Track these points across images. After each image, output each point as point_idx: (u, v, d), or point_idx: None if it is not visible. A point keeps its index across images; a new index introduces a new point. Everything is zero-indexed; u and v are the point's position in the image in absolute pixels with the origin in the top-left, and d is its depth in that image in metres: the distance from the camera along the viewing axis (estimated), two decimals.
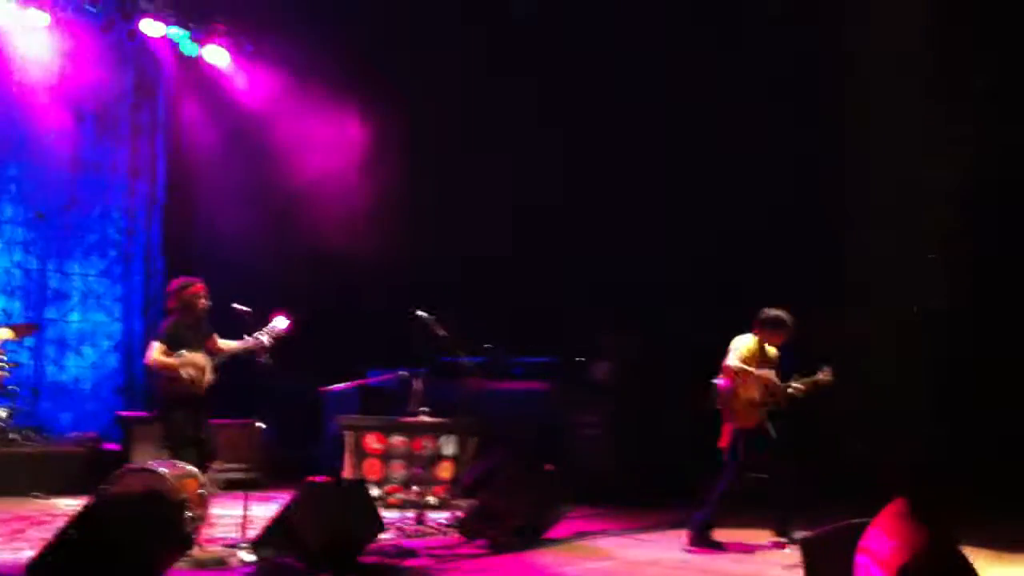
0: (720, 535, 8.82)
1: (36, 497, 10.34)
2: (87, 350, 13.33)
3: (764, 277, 12.20)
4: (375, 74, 13.49)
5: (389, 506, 10.19)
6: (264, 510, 8.01)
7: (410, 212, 13.48)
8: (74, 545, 5.97)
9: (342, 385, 11.66)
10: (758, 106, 12.54)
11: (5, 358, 11.31)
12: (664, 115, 12.95)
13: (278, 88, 13.73)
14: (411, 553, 8.11)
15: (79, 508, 6.29)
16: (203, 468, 8.07)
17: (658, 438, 12.03)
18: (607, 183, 13.24)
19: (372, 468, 10.94)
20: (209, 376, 8.52)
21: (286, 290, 11.72)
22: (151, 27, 13.18)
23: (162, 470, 7.42)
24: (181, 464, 7.75)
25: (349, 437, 11.09)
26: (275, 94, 13.74)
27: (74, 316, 13.28)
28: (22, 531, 8.53)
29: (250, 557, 7.39)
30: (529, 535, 8.64)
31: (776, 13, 12.48)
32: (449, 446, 11.02)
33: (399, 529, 8.97)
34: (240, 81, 13.97)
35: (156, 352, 8.42)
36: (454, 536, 8.75)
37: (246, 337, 8.62)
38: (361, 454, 11.01)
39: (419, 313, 9.59)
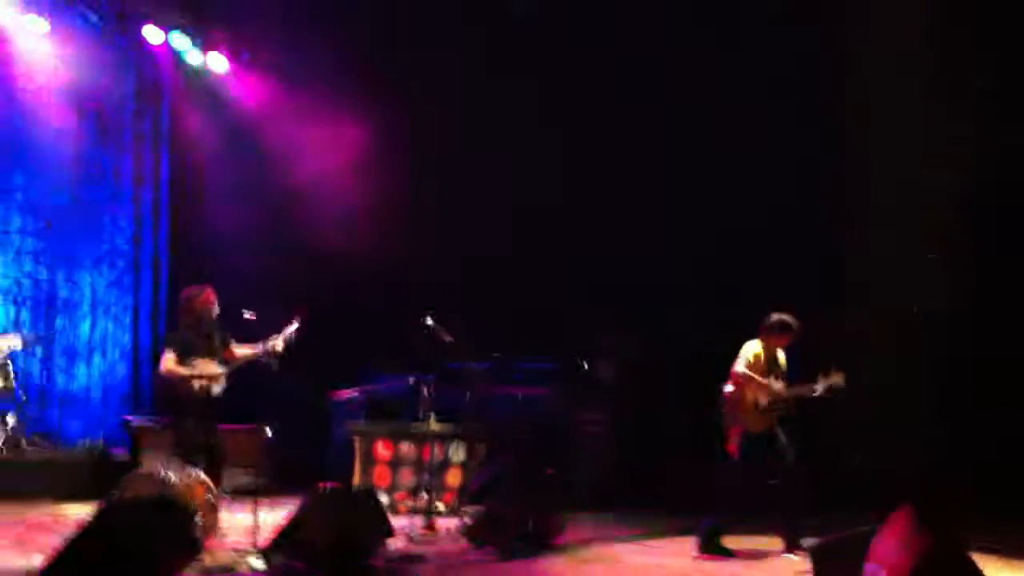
0: (729, 542, 8.79)
1: (46, 502, 10.34)
2: (96, 359, 13.34)
3: (764, 277, 12.23)
4: (375, 74, 13.47)
5: (398, 513, 10.19)
6: (273, 516, 8.02)
7: (410, 212, 13.48)
8: (84, 552, 5.98)
9: (351, 391, 11.67)
10: (758, 106, 12.54)
11: (12, 366, 11.30)
12: (664, 115, 12.95)
13: (279, 92, 13.71)
14: (420, 559, 8.12)
15: (88, 515, 6.31)
16: (215, 475, 8.09)
17: (660, 438, 12.05)
18: (607, 183, 13.24)
19: (381, 475, 10.97)
20: (221, 384, 8.55)
21: (292, 294, 11.73)
22: (153, 34, 13.16)
23: (171, 477, 7.43)
24: (190, 470, 7.77)
25: (359, 444, 11.11)
26: (276, 98, 13.72)
27: (84, 325, 13.29)
28: (32, 538, 8.52)
29: (260, 563, 7.39)
30: (536, 542, 8.65)
31: (776, 13, 12.47)
32: (458, 453, 11.03)
33: (408, 536, 8.96)
34: (241, 87, 13.93)
35: (169, 362, 8.46)
36: (462, 543, 8.75)
37: (260, 343, 8.66)
38: (370, 461, 11.03)
39: (426, 320, 9.59)
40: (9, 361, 11.29)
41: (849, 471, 11.46)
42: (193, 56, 13.71)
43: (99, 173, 13.49)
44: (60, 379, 12.97)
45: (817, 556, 6.88)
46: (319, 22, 13.07)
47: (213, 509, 7.61)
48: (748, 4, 12.75)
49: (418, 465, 10.86)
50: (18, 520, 9.26)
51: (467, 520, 9.06)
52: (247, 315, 8.55)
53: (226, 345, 8.77)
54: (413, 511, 10.16)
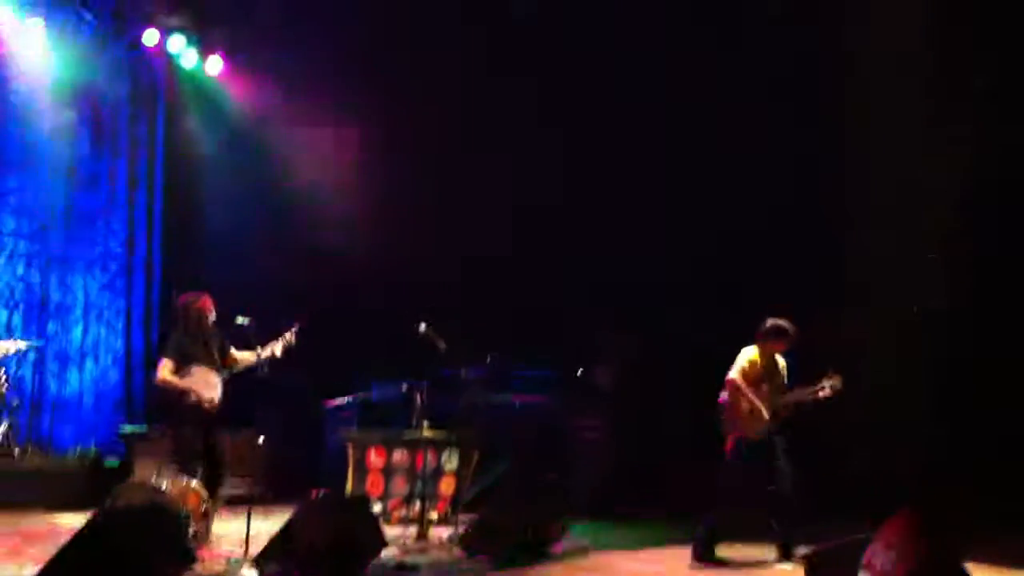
0: (725, 550, 8.80)
1: (39, 510, 10.34)
2: (89, 364, 13.30)
3: (764, 277, 12.25)
4: (375, 74, 13.47)
5: (391, 522, 10.17)
6: (266, 525, 8.01)
7: (410, 212, 13.48)
8: (77, 561, 5.99)
9: (343, 399, 11.65)
10: (758, 106, 12.53)
11: (4, 372, 11.25)
12: (664, 115, 12.93)
13: (276, 95, 13.68)
14: (413, 568, 8.06)
15: (81, 524, 6.30)
16: (216, 482, 8.09)
17: (660, 440, 12.05)
18: (607, 183, 13.24)
19: (374, 483, 10.89)
20: (218, 392, 8.55)
21: (287, 298, 11.78)
22: (149, 37, 13.16)
23: (164, 485, 7.44)
24: (183, 479, 7.78)
25: (352, 452, 11.03)
26: (273, 101, 13.71)
27: (76, 330, 13.24)
28: (24, 547, 8.48)
29: (252, 572, 7.37)
30: (534, 550, 8.62)
31: (776, 13, 12.46)
32: (451, 461, 10.94)
33: (401, 545, 8.94)
34: (237, 90, 13.92)
35: (165, 370, 8.45)
36: (456, 552, 8.70)
37: (259, 349, 8.66)
38: (363, 469, 10.95)
39: (421, 326, 9.58)
40: (1, 367, 11.24)
41: (847, 474, 11.44)
42: (189, 59, 13.68)
43: (93, 177, 13.46)
44: (52, 385, 12.90)
45: (812, 564, 6.89)
46: (317, 23, 13.07)
47: (206, 517, 7.62)
48: (748, 4, 12.73)
49: (411, 473, 10.78)
50: (12, 530, 9.20)
51: (461, 529, 9.01)
52: (240, 321, 8.55)
53: (225, 352, 8.77)
54: (406, 520, 10.17)
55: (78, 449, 12.06)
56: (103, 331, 13.46)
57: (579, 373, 12.40)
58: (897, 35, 12.08)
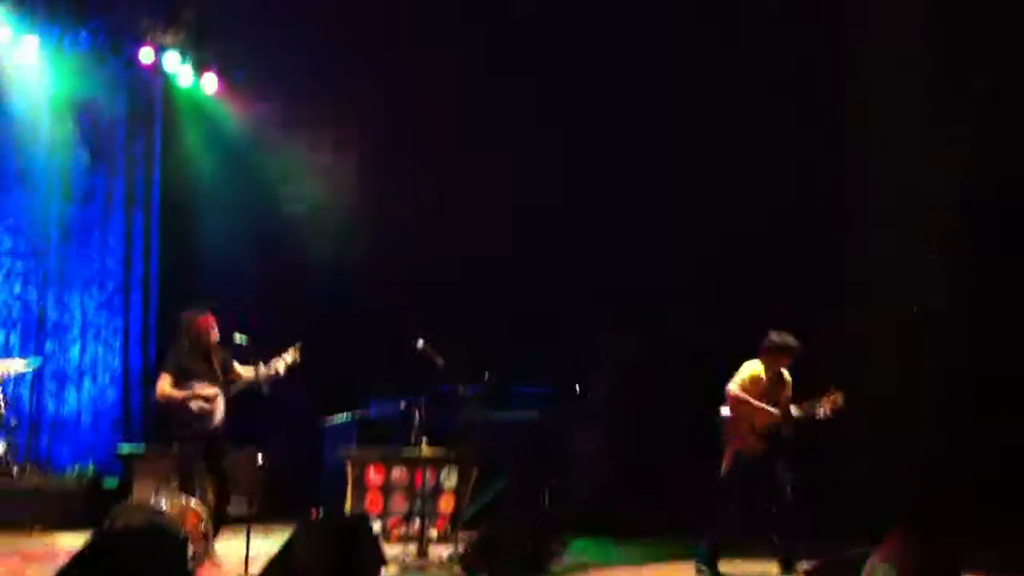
0: (726, 566, 8.80)
1: (37, 531, 10.34)
2: (87, 383, 13.22)
3: (764, 277, 12.28)
4: (375, 75, 13.45)
5: (390, 540, 10.15)
6: (266, 544, 7.96)
7: (410, 212, 13.47)
8: None
9: (342, 417, 11.63)
10: (758, 106, 12.52)
11: (1, 391, 11.23)
12: (664, 115, 12.91)
13: (274, 108, 13.64)
14: None
15: (80, 544, 6.30)
16: (223, 500, 8.08)
17: (659, 442, 12.05)
18: (607, 183, 13.20)
19: (373, 501, 10.86)
20: (220, 409, 8.55)
21: (285, 315, 11.80)
22: (147, 56, 13.11)
23: (163, 505, 7.43)
24: (182, 499, 7.77)
25: (351, 470, 10.99)
26: (270, 115, 13.68)
27: (74, 349, 13.19)
28: (23, 568, 8.51)
29: None
30: (532, 567, 8.58)
31: (776, 13, 12.44)
32: (450, 478, 10.90)
33: (401, 563, 8.93)
34: (234, 106, 13.90)
35: (165, 385, 8.46)
36: (456, 570, 8.69)
37: (261, 366, 8.67)
38: (362, 487, 10.90)
39: (419, 342, 9.55)
40: None
41: (847, 484, 11.43)
42: (185, 77, 13.61)
43: (90, 195, 13.40)
44: (50, 404, 12.83)
45: None
46: (316, 25, 13.04)
47: (205, 538, 7.62)
48: (748, 4, 12.72)
49: (410, 491, 10.73)
50: (11, 551, 9.21)
51: (461, 547, 8.96)
52: (238, 340, 8.57)
53: (228, 369, 8.77)
54: (406, 538, 10.14)
55: (76, 469, 12.00)
56: (101, 350, 13.36)
57: (577, 388, 12.38)
58: (897, 35, 12.08)
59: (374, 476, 10.94)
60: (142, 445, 11.86)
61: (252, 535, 7.85)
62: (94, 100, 13.25)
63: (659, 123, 12.96)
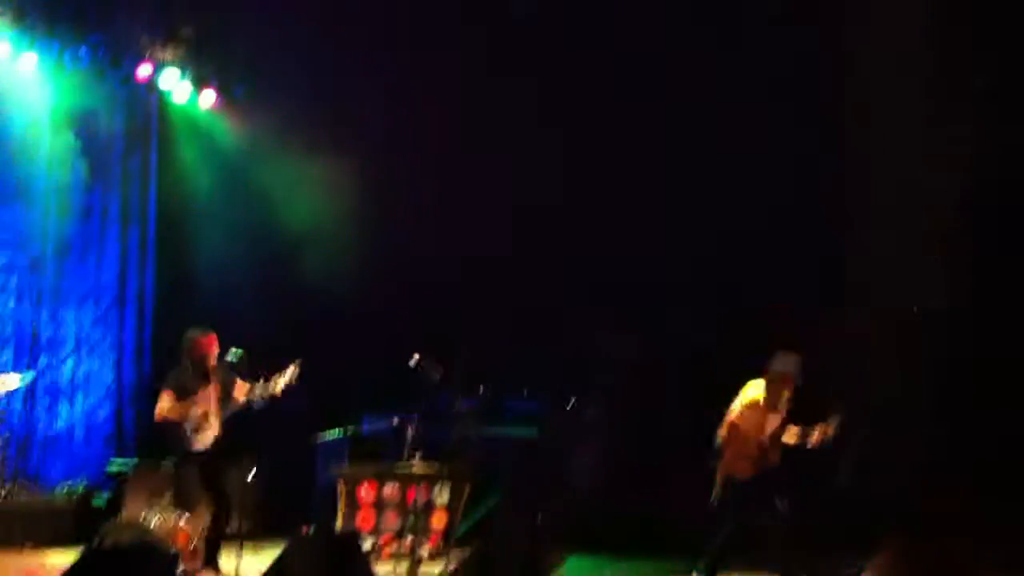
0: None
1: (27, 548, 10.31)
2: (79, 398, 13.15)
3: (764, 277, 12.26)
4: (375, 75, 13.45)
5: (381, 558, 10.08)
6: (256, 561, 7.94)
7: (410, 213, 13.46)
8: None
9: (334, 433, 11.57)
10: (758, 106, 12.52)
11: None
12: (664, 115, 12.91)
13: (271, 121, 13.64)
14: None
15: (69, 562, 6.31)
16: (222, 517, 8.05)
17: (659, 441, 12.04)
18: (607, 183, 13.21)
19: (365, 518, 10.75)
20: (217, 428, 8.55)
21: (281, 332, 11.80)
22: (144, 71, 13.11)
23: (153, 522, 7.41)
24: (173, 516, 7.75)
25: (342, 487, 10.90)
26: (267, 129, 13.68)
27: (68, 364, 13.11)
28: None
29: None
30: None
31: (776, 13, 12.45)
32: (442, 495, 10.79)
33: None
34: (231, 123, 13.92)
35: (164, 402, 8.46)
36: None
37: (260, 384, 8.67)
38: (354, 504, 10.81)
39: (414, 359, 9.50)
40: None
41: (847, 493, 11.39)
42: (183, 93, 13.59)
43: (87, 210, 13.36)
44: (42, 419, 12.75)
45: None
46: (315, 27, 13.03)
47: (196, 555, 7.59)
48: (748, 4, 12.72)
49: (402, 507, 10.63)
50: (2, 569, 9.23)
51: (453, 564, 8.90)
52: (232, 356, 8.58)
53: (229, 390, 8.77)
54: (398, 555, 10.07)
55: (66, 485, 11.92)
56: (95, 365, 13.31)
57: (571, 403, 12.34)
58: (897, 35, 12.07)
59: (366, 493, 10.82)
60: (133, 461, 11.75)
61: (242, 552, 7.86)
62: (93, 115, 13.25)
63: (659, 123, 12.96)
